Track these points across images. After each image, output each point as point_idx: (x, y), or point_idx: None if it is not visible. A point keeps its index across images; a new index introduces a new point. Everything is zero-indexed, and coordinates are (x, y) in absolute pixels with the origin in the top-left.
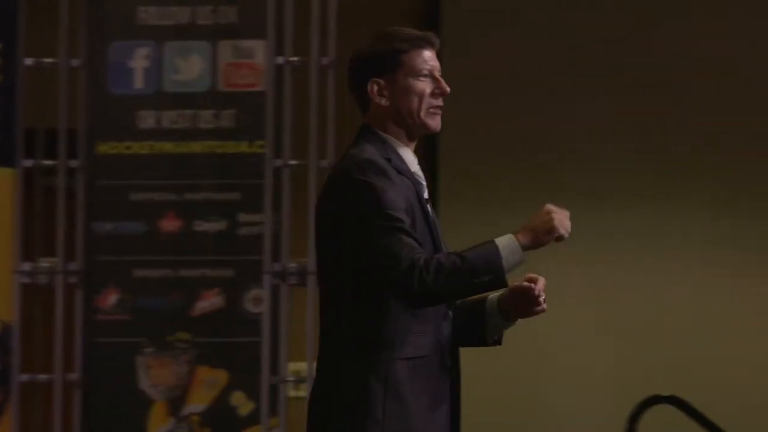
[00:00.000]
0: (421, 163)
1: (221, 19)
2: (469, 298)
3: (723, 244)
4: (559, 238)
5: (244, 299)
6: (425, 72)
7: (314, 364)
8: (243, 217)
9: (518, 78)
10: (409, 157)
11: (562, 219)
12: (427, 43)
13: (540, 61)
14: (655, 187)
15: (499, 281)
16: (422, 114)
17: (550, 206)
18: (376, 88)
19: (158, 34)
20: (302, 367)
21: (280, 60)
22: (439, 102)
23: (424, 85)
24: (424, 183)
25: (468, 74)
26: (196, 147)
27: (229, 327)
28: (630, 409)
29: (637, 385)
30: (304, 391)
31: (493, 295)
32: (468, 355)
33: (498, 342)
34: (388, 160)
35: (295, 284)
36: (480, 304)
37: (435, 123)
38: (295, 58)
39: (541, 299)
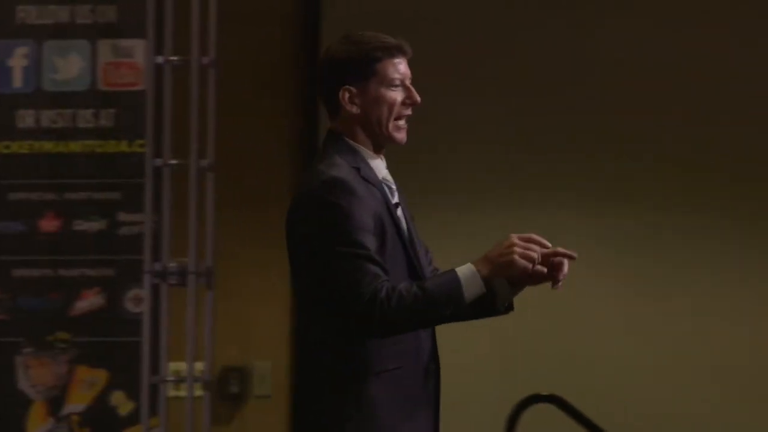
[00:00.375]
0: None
1: (101, 18)
2: None
3: (589, 243)
4: (537, 278)
5: (124, 299)
6: (397, 81)
7: (194, 364)
8: (123, 217)
9: None
10: (377, 163)
11: (524, 252)
12: (400, 51)
13: (420, 63)
14: (527, 186)
15: (460, 314)
16: (390, 125)
17: (512, 237)
18: (347, 95)
19: (37, 33)
20: (182, 366)
21: (159, 59)
22: (408, 111)
23: (396, 95)
24: (395, 187)
25: None
26: (76, 146)
27: (109, 327)
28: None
29: (515, 385)
30: (184, 391)
31: None
32: None
33: (510, 308)
34: (357, 169)
35: (175, 284)
36: None
37: (401, 136)
38: (175, 58)
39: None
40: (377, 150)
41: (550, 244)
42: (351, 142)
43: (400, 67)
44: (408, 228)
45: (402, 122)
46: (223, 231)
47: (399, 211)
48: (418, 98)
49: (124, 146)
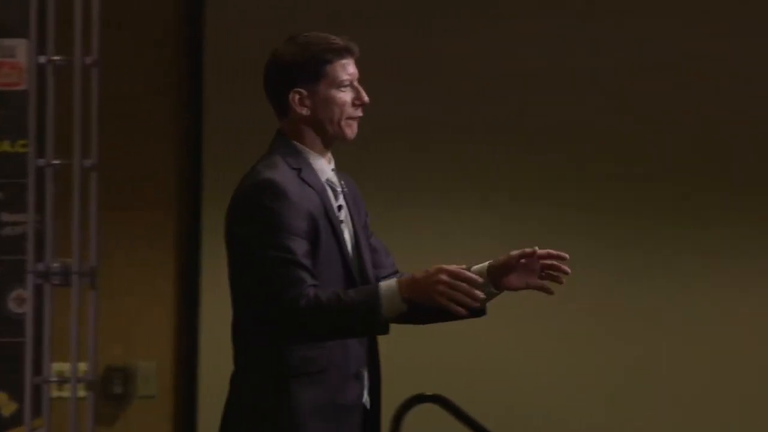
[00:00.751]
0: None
1: None
2: None
3: (483, 237)
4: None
5: (7, 299)
6: (346, 82)
7: (78, 365)
8: (6, 217)
9: None
10: (321, 165)
11: (447, 291)
12: (348, 52)
13: None
14: (428, 184)
15: (375, 329)
16: (342, 123)
17: (441, 272)
18: (297, 97)
19: None
20: (66, 367)
21: (42, 59)
22: (359, 112)
23: (345, 96)
24: (339, 189)
25: (233, 78)
26: None
27: None
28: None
29: (403, 386)
30: (67, 392)
31: (481, 264)
32: None
33: (482, 313)
34: (298, 170)
35: (58, 284)
36: None
37: (351, 132)
38: (58, 58)
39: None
40: (326, 148)
41: (480, 280)
42: (297, 143)
43: (349, 68)
44: (355, 231)
45: (352, 120)
46: (107, 231)
47: (343, 214)
48: (367, 98)
49: (6, 146)
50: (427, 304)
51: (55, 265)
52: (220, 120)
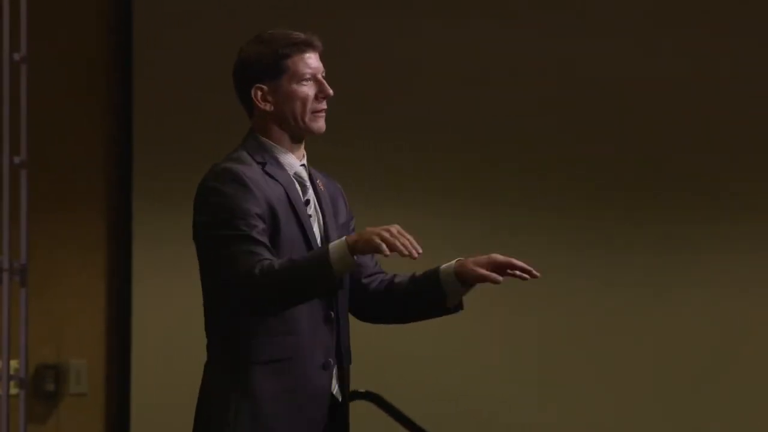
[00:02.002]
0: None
1: None
2: (420, 272)
3: (436, 238)
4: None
5: None
6: (308, 76)
7: (11, 362)
8: None
9: (216, 70)
10: (288, 160)
11: (391, 239)
12: (309, 46)
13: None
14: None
15: (328, 285)
16: (306, 118)
17: (395, 225)
18: (260, 93)
19: None
20: None
21: None
22: (323, 105)
23: (308, 90)
24: (308, 184)
25: (163, 76)
26: None
27: None
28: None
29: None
30: None
31: (448, 263)
32: None
33: (459, 307)
34: (263, 164)
35: None
36: (434, 273)
37: (318, 125)
38: None
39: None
40: (295, 143)
41: (420, 249)
42: (263, 138)
43: (310, 62)
44: (325, 225)
45: (319, 114)
46: (37, 230)
47: (311, 208)
48: (331, 91)
49: None
50: (369, 250)
51: None
52: (150, 118)
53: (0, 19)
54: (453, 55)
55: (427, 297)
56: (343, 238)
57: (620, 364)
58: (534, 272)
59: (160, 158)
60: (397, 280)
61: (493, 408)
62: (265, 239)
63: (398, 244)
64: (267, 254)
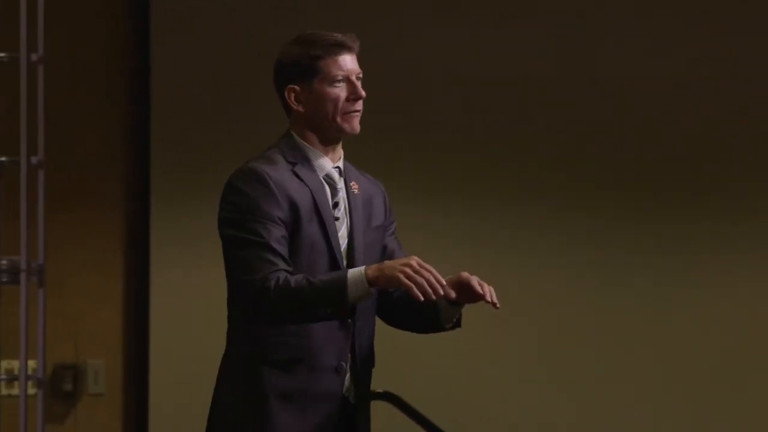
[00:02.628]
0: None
1: None
2: None
3: (436, 238)
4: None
5: None
6: (340, 77)
7: (28, 363)
8: None
9: (233, 70)
10: (320, 162)
11: (415, 276)
12: (344, 48)
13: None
14: (384, 185)
15: (341, 312)
16: (338, 119)
17: (413, 258)
18: (292, 95)
19: None
20: (15, 365)
21: None
22: (357, 106)
23: (339, 91)
24: (339, 186)
25: (181, 75)
26: None
27: None
28: None
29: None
30: (17, 389)
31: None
32: None
33: (456, 325)
34: (293, 164)
35: (6, 282)
36: None
37: (350, 126)
38: (3, 54)
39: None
40: (328, 144)
41: (443, 281)
42: (298, 139)
43: (343, 63)
44: (352, 228)
45: (352, 115)
46: (55, 230)
47: (340, 211)
48: (363, 92)
49: None
50: (390, 286)
51: (3, 262)
52: (167, 118)
53: (17, 19)
54: (453, 55)
55: (427, 315)
56: (362, 268)
57: (620, 364)
58: (495, 302)
59: (177, 158)
60: None
61: (505, 410)
62: (282, 247)
63: (420, 280)
64: (282, 264)
